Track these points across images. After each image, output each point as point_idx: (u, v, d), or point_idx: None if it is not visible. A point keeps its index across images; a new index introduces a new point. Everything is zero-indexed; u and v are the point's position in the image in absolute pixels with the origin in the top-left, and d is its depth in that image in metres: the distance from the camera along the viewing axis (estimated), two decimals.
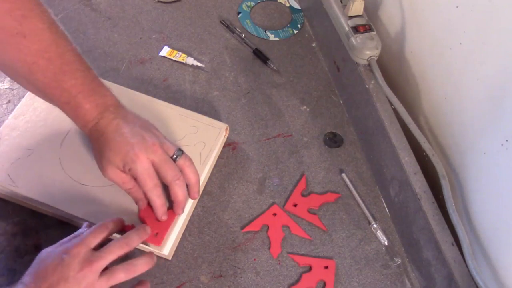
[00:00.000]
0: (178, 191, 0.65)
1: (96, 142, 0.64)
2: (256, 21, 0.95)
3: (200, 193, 0.72)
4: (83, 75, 0.64)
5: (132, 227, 0.64)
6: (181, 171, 0.65)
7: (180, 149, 0.66)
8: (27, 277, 0.55)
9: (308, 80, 0.88)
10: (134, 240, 0.60)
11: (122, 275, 0.57)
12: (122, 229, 0.64)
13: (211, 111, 0.82)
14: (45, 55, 0.61)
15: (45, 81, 0.62)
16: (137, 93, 0.79)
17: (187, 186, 0.66)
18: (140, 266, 0.59)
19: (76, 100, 0.63)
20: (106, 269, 0.57)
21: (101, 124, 0.63)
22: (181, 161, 0.65)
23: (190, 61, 0.87)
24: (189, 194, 0.67)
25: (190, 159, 0.66)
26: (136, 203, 0.67)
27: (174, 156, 0.65)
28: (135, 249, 0.62)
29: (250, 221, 0.72)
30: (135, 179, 0.64)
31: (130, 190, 0.65)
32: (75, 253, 0.56)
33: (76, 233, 0.61)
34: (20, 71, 0.62)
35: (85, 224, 0.62)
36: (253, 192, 0.75)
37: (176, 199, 0.65)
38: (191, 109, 0.78)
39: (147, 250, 0.65)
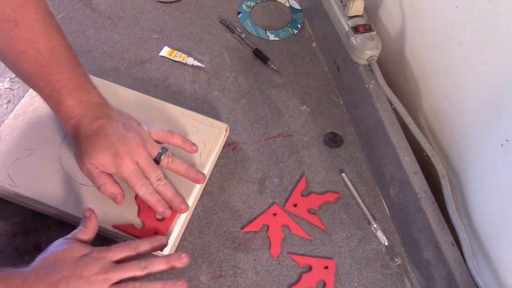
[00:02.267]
0: (163, 190, 0.66)
1: (77, 139, 0.64)
2: (256, 21, 0.95)
3: (200, 187, 0.72)
4: (70, 71, 0.64)
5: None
6: (168, 168, 0.67)
7: (163, 147, 0.67)
8: (38, 263, 0.56)
9: (308, 80, 0.88)
10: (155, 266, 0.59)
11: None
12: (159, 249, 0.63)
13: (211, 111, 0.82)
14: (35, 46, 0.62)
15: (32, 71, 0.63)
16: (137, 93, 0.79)
17: (184, 176, 0.68)
18: None
19: (60, 94, 0.63)
20: (118, 283, 0.57)
21: (84, 123, 0.64)
22: (164, 160, 0.67)
23: (190, 61, 0.87)
24: (193, 181, 0.69)
25: (173, 156, 0.68)
26: (113, 199, 0.66)
27: (158, 156, 0.66)
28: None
29: (250, 221, 0.72)
30: (123, 180, 0.64)
31: (105, 185, 0.65)
32: (96, 257, 0.57)
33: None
34: (9, 57, 0.63)
35: (87, 208, 0.63)
36: (253, 192, 0.75)
37: (165, 198, 0.66)
38: (191, 109, 0.78)
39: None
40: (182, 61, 0.88)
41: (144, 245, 0.61)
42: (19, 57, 0.62)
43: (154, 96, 0.80)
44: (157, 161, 0.67)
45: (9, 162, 0.70)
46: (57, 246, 0.58)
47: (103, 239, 0.66)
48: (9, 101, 0.80)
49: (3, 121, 0.76)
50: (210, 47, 0.91)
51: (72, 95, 0.63)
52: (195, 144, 0.71)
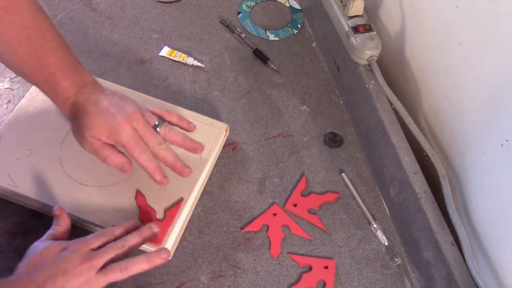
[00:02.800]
0: (165, 155, 0.66)
1: (75, 117, 0.65)
2: (256, 21, 0.95)
3: (200, 187, 0.72)
4: (63, 54, 0.65)
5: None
6: (165, 139, 0.67)
7: (160, 119, 0.67)
8: (20, 269, 0.56)
9: (308, 80, 0.88)
10: (131, 240, 0.61)
11: (118, 273, 0.57)
12: (133, 231, 0.64)
13: (211, 111, 0.82)
14: (27, 31, 0.62)
15: (25, 58, 0.63)
16: (137, 93, 0.79)
17: (181, 147, 0.69)
18: (137, 266, 0.59)
19: (55, 77, 0.64)
20: (103, 268, 0.57)
21: (80, 99, 0.64)
22: (162, 130, 0.67)
23: (190, 61, 0.87)
24: (190, 151, 0.69)
25: (170, 126, 0.68)
26: (121, 169, 0.65)
27: (155, 126, 0.67)
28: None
29: (250, 221, 0.72)
30: (122, 146, 0.65)
31: (110, 156, 0.65)
32: (75, 249, 0.57)
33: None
34: (1, 45, 0.63)
35: (56, 207, 0.64)
36: (253, 192, 0.75)
37: (166, 162, 0.66)
38: (191, 109, 0.78)
39: (148, 250, 0.65)
40: (182, 61, 0.88)
41: (118, 230, 0.62)
42: (11, 44, 0.62)
43: (154, 96, 0.80)
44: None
45: (9, 162, 0.70)
46: (34, 249, 0.58)
47: None
48: (9, 101, 0.80)
49: (3, 121, 0.76)
50: (210, 47, 0.91)
51: (67, 77, 0.64)
52: (191, 122, 0.71)
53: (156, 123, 0.67)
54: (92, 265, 0.56)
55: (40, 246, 0.58)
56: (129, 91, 0.79)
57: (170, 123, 0.70)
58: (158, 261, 0.60)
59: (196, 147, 0.69)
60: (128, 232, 0.63)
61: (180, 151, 0.70)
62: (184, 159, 0.72)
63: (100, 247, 0.59)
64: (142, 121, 0.65)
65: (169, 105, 0.78)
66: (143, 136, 0.65)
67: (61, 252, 0.57)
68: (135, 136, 0.64)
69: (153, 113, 0.68)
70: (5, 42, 0.62)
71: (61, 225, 0.62)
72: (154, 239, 0.65)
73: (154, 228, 0.63)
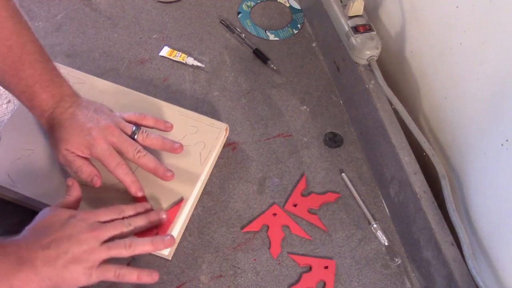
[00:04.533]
0: (145, 161, 0.67)
1: (52, 129, 0.66)
2: (256, 21, 0.95)
3: (200, 187, 0.72)
4: (42, 66, 0.65)
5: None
6: (144, 145, 0.68)
7: (137, 126, 0.68)
8: (27, 231, 0.57)
9: (308, 80, 0.88)
10: (137, 222, 0.62)
11: (122, 250, 0.58)
12: (142, 213, 0.65)
13: (211, 111, 0.82)
14: (6, 43, 0.63)
15: (4, 69, 0.64)
16: (137, 93, 0.79)
17: (162, 149, 0.69)
18: (141, 246, 0.59)
19: (33, 89, 0.65)
20: (108, 241, 0.58)
21: (57, 113, 0.65)
22: (139, 136, 0.68)
23: (190, 61, 0.87)
24: (171, 152, 0.69)
25: (147, 131, 0.68)
26: (91, 182, 0.66)
27: (132, 134, 0.67)
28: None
29: (250, 221, 0.72)
30: (99, 160, 0.65)
31: (81, 168, 0.65)
32: (82, 218, 0.59)
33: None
34: None
35: (69, 178, 0.64)
36: (253, 192, 0.75)
37: (148, 169, 0.67)
38: (191, 109, 0.78)
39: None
40: (182, 61, 0.88)
41: (128, 210, 0.63)
42: None
43: (154, 96, 0.80)
44: (132, 138, 0.68)
45: (9, 162, 0.70)
46: (43, 214, 0.59)
47: None
48: (9, 101, 0.80)
49: (3, 121, 0.76)
50: (210, 47, 0.91)
51: (45, 89, 0.65)
52: (168, 121, 0.71)
53: (133, 129, 0.68)
54: (97, 235, 0.57)
55: (49, 211, 0.59)
56: (129, 91, 0.79)
57: (147, 127, 0.70)
58: (161, 245, 0.61)
59: (176, 148, 0.69)
60: (137, 213, 0.64)
61: (179, 154, 0.70)
62: (185, 160, 0.72)
63: (107, 222, 0.60)
64: (117, 132, 0.66)
65: (169, 105, 0.78)
66: (121, 147, 0.66)
67: (69, 219, 0.58)
68: (110, 149, 0.65)
69: (128, 120, 0.69)
70: None
71: (72, 195, 0.63)
72: None
73: (162, 214, 0.65)
